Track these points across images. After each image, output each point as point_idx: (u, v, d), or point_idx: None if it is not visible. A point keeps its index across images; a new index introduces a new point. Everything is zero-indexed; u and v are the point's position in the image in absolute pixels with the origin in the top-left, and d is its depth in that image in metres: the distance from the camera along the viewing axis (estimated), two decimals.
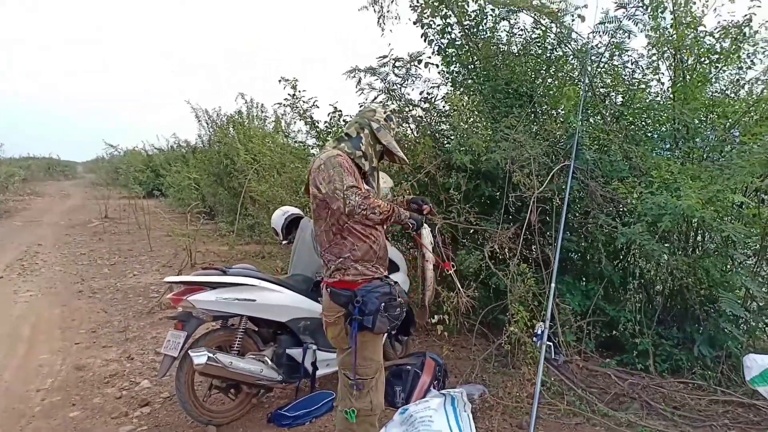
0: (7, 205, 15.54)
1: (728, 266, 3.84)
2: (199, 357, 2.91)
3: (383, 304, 2.26)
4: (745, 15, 3.93)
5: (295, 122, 9.45)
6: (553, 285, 3.15)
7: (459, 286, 3.22)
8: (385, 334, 2.50)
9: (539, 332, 2.99)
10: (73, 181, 32.56)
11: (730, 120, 4.17)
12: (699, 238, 4.12)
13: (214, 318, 3.22)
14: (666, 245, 3.71)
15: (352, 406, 2.34)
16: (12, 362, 4.29)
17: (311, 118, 4.82)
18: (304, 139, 7.19)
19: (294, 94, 4.71)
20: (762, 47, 4.09)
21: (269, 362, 3.27)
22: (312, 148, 6.73)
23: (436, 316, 3.81)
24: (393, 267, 3.71)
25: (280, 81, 4.64)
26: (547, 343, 2.92)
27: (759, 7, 3.89)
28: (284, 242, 4.16)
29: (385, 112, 2.56)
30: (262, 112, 11.21)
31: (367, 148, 2.42)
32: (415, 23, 4.59)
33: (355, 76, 4.65)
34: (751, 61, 4.14)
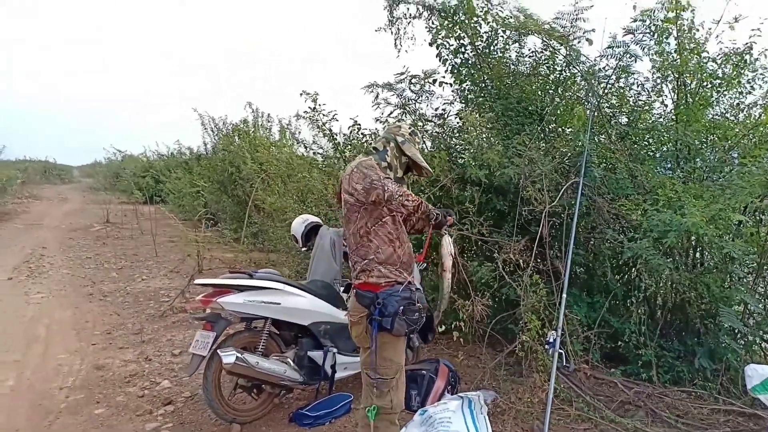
0: (7, 207, 15.58)
1: (728, 282, 3.98)
2: (229, 356, 3.04)
3: (402, 307, 2.39)
4: (746, 43, 4.13)
5: (299, 131, 9.60)
6: (564, 295, 3.31)
7: (473, 294, 3.36)
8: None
9: (551, 340, 3.14)
10: (69, 185, 32.52)
11: (729, 142, 4.34)
12: (698, 254, 4.28)
13: (240, 320, 3.35)
14: (669, 261, 3.88)
15: (374, 403, 2.46)
16: (31, 361, 4.37)
17: (330, 130, 4.99)
18: (309, 146, 7.31)
19: (314, 108, 4.88)
20: (761, 74, 4.28)
21: (291, 363, 3.40)
22: (316, 154, 6.85)
23: (443, 325, 3.94)
24: None
25: (301, 95, 4.81)
26: (559, 351, 3.08)
27: (759, 36, 4.11)
28: (304, 249, 4.30)
29: (409, 128, 2.75)
30: (269, 121, 11.38)
31: (393, 160, 2.62)
32: (430, 44, 4.77)
33: (372, 91, 4.83)
34: (751, 86, 4.33)
